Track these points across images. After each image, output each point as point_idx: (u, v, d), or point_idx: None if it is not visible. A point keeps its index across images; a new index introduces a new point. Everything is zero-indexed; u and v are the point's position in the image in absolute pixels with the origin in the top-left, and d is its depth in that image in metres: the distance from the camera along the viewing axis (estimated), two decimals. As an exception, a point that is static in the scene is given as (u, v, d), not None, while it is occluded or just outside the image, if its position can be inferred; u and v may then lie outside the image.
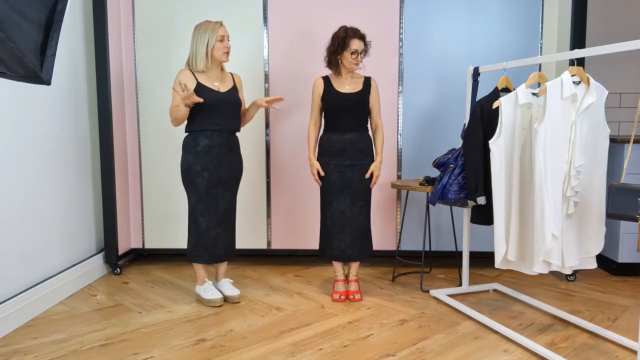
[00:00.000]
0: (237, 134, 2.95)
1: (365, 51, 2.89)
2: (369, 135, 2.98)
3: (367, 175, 2.92)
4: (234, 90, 2.87)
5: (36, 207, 2.83)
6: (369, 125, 3.02)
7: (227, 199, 2.86)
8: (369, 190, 2.97)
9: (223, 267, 3.01)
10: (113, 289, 3.20)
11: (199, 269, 2.94)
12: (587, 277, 3.43)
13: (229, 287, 2.98)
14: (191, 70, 2.79)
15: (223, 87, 2.83)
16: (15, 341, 2.43)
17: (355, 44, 2.84)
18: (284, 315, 2.76)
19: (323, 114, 3.00)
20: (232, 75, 2.93)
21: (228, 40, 2.80)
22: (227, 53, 2.80)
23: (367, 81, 2.95)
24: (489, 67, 2.84)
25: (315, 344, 2.38)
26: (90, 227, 3.45)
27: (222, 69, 2.89)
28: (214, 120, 2.77)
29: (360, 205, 2.93)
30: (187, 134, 2.85)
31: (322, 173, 2.93)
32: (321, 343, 2.40)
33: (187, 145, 2.82)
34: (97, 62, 3.29)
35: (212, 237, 2.84)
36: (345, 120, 2.90)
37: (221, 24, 2.78)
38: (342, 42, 2.85)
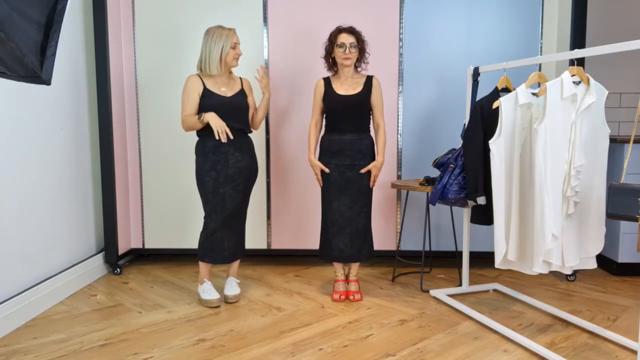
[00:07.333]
0: (250, 135, 2.96)
1: (358, 47, 2.88)
2: (370, 136, 2.97)
3: (363, 171, 2.90)
4: (241, 94, 2.90)
5: (36, 207, 2.83)
6: (371, 126, 3.01)
7: (235, 198, 2.86)
8: (370, 191, 2.96)
9: (233, 265, 3.03)
10: (113, 289, 3.20)
11: (202, 268, 2.95)
12: (587, 277, 3.43)
13: (230, 286, 2.99)
14: (199, 76, 2.84)
15: (230, 91, 2.87)
16: (15, 341, 2.43)
17: (343, 38, 2.85)
18: (284, 315, 2.76)
19: (324, 114, 3.00)
20: (240, 80, 2.96)
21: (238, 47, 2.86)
22: (237, 59, 2.85)
23: (369, 81, 2.93)
24: (489, 67, 2.84)
25: (315, 344, 2.38)
26: (90, 227, 3.45)
27: (230, 73, 2.93)
28: None
29: (360, 205, 2.92)
30: (198, 138, 2.90)
31: (326, 170, 2.92)
32: (321, 343, 2.40)
33: (197, 148, 2.89)
34: (97, 62, 3.29)
35: (218, 238, 2.86)
36: (345, 121, 2.90)
37: (235, 31, 2.83)
38: (333, 38, 2.88)
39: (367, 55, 2.95)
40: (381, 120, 2.96)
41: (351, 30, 2.87)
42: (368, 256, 2.99)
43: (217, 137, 2.72)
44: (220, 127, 2.71)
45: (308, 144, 3.01)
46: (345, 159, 2.90)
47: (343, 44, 2.84)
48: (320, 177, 2.96)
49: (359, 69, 2.98)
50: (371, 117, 2.99)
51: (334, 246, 2.94)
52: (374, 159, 2.95)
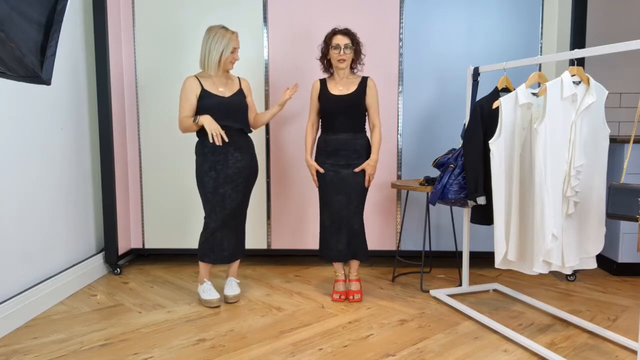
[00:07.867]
0: (250, 135, 2.96)
1: (353, 49, 2.88)
2: (365, 136, 2.97)
3: (357, 170, 2.89)
4: (239, 93, 2.90)
5: (36, 207, 2.83)
6: (367, 126, 3.01)
7: (235, 198, 2.85)
8: (365, 191, 2.96)
9: (233, 265, 3.03)
10: (113, 289, 3.20)
11: (202, 268, 2.95)
12: (587, 277, 3.43)
13: (230, 286, 2.99)
14: (196, 77, 2.82)
15: (228, 91, 2.87)
16: (15, 341, 2.43)
17: (338, 39, 2.85)
18: (284, 315, 2.76)
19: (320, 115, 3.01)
20: (239, 80, 2.95)
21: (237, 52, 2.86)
22: (233, 63, 2.86)
23: (364, 81, 2.94)
24: (489, 67, 2.84)
25: (315, 344, 2.38)
26: (90, 227, 3.45)
27: (228, 72, 2.93)
28: (219, 123, 2.77)
29: (356, 204, 2.92)
30: (198, 138, 2.89)
31: (321, 170, 2.93)
32: (321, 343, 2.40)
33: (197, 148, 2.88)
34: (97, 62, 3.29)
35: (218, 238, 2.86)
36: (340, 121, 2.90)
37: (237, 35, 2.82)
38: (328, 40, 2.89)
39: (362, 56, 2.96)
40: (377, 121, 2.96)
41: (346, 32, 2.87)
42: (366, 256, 2.98)
43: (210, 141, 2.71)
44: (214, 131, 2.70)
45: (305, 145, 3.01)
46: (340, 158, 2.91)
47: (338, 45, 2.85)
48: (315, 178, 2.97)
49: (355, 70, 2.98)
50: (367, 117, 2.99)
51: (332, 246, 2.94)
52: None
